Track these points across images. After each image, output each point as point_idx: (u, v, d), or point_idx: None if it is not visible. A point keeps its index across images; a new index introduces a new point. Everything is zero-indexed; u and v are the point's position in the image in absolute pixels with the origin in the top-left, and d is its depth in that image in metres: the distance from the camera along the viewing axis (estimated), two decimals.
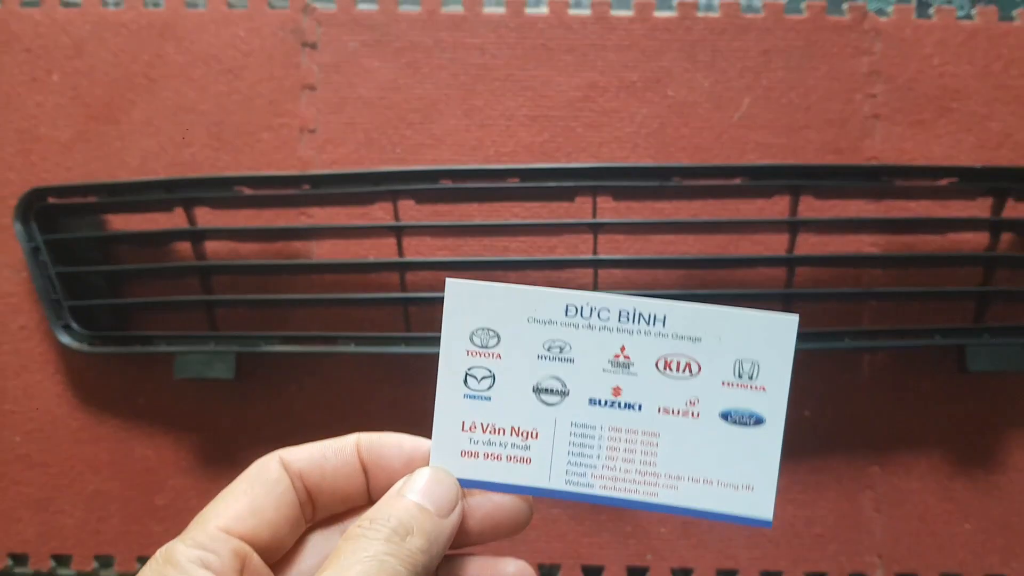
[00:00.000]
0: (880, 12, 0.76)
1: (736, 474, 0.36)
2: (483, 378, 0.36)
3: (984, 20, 0.76)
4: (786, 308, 0.69)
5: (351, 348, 0.69)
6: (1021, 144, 0.74)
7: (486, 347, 0.36)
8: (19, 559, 0.74)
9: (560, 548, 0.72)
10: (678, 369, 0.35)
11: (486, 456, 0.36)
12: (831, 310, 0.73)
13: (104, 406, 0.75)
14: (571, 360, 0.36)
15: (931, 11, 0.76)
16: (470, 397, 0.36)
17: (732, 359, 0.35)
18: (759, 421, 0.36)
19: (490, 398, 0.36)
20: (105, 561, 0.74)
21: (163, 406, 0.75)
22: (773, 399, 0.35)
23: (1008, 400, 0.73)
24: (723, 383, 0.35)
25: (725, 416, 0.36)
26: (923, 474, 0.72)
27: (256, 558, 0.34)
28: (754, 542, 0.72)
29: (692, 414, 0.36)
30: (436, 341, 0.65)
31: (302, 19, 0.76)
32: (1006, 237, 0.72)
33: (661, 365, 0.35)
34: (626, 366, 0.35)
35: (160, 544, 0.71)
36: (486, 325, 0.36)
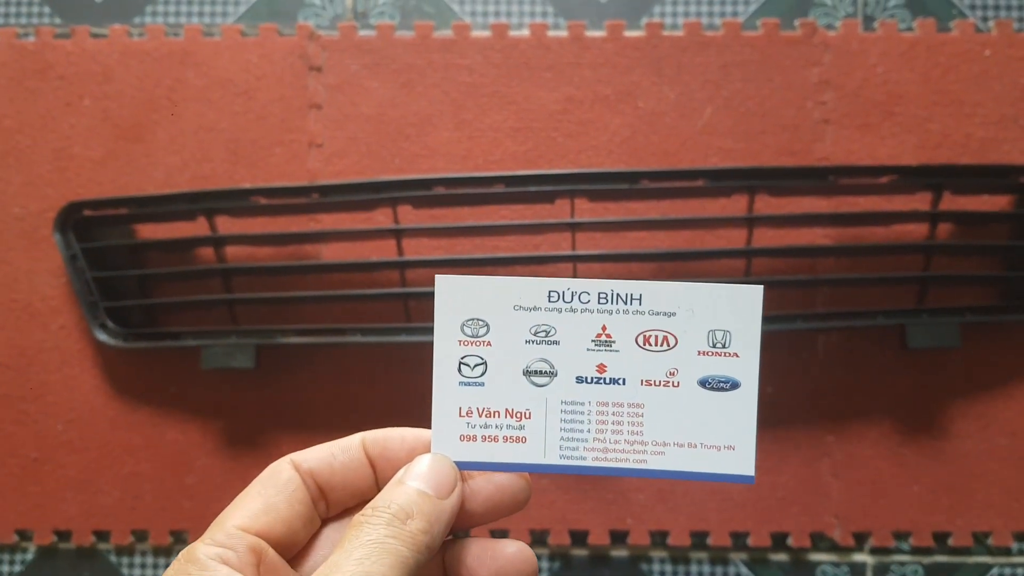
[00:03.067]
0: (829, 27, 0.83)
1: (718, 436, 0.37)
2: (476, 365, 0.37)
3: (923, 32, 0.82)
4: None
5: (358, 338, 0.76)
6: (958, 144, 0.81)
7: (476, 336, 0.37)
8: (63, 535, 0.81)
9: (549, 515, 0.79)
10: (656, 343, 0.37)
11: (484, 439, 0.37)
12: (790, 297, 0.80)
13: (137, 396, 0.81)
14: (557, 342, 0.37)
15: (875, 25, 0.83)
16: (464, 384, 0.37)
17: (705, 330, 0.37)
18: (735, 385, 0.37)
19: (483, 384, 0.37)
20: (141, 535, 0.81)
21: (191, 395, 0.81)
22: (746, 364, 0.37)
23: (946, 373, 0.80)
24: (699, 352, 0.37)
25: (703, 383, 0.37)
26: (874, 442, 0.79)
27: (272, 552, 0.35)
28: (723, 506, 0.79)
29: (673, 384, 0.37)
30: (433, 331, 0.72)
31: (308, 45, 0.83)
32: (943, 227, 0.79)
33: (641, 340, 0.37)
34: (608, 344, 0.37)
35: (189, 518, 0.78)
36: (475, 315, 0.37)
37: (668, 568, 0.79)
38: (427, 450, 0.37)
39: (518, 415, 0.37)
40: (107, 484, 0.81)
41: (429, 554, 0.34)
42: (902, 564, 0.79)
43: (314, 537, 0.37)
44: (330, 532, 0.38)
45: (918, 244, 0.78)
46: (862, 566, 0.79)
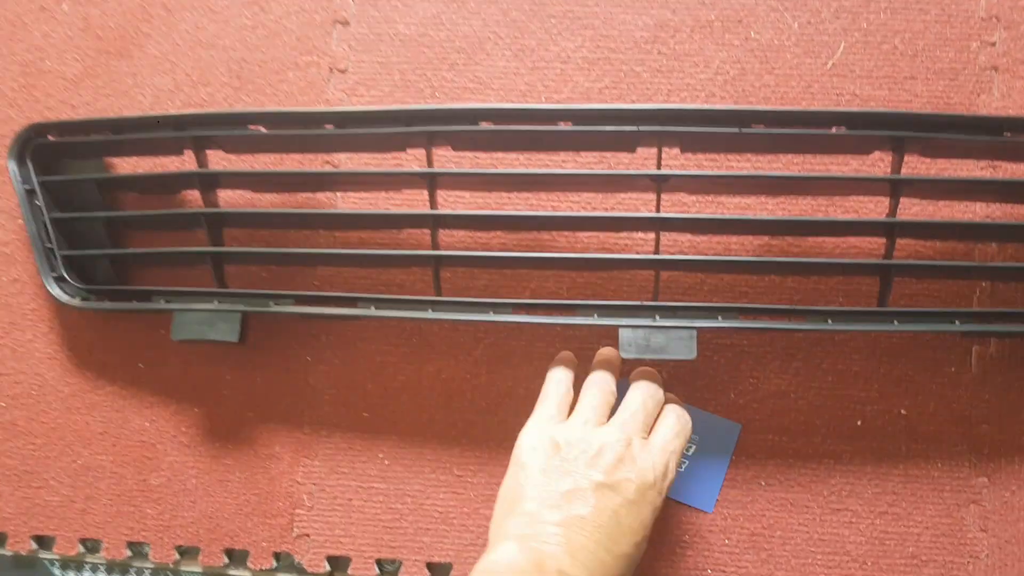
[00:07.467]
0: None
1: None
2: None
3: None
4: (883, 283, 0.61)
5: (371, 312, 0.62)
6: None
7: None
8: None
9: None
10: None
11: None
12: (939, 289, 0.66)
13: (99, 370, 0.70)
14: None
15: None
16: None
17: None
18: None
19: None
20: (92, 546, 0.69)
21: (164, 372, 0.70)
22: None
23: None
24: None
25: None
26: None
27: None
28: (835, 561, 0.62)
29: None
30: (470, 308, 0.63)
31: None
32: None
33: None
34: None
35: (152, 528, 0.66)
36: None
37: None
38: None
39: None
40: (54, 478, 0.69)
41: None
42: None
43: None
44: None
45: None
46: None
